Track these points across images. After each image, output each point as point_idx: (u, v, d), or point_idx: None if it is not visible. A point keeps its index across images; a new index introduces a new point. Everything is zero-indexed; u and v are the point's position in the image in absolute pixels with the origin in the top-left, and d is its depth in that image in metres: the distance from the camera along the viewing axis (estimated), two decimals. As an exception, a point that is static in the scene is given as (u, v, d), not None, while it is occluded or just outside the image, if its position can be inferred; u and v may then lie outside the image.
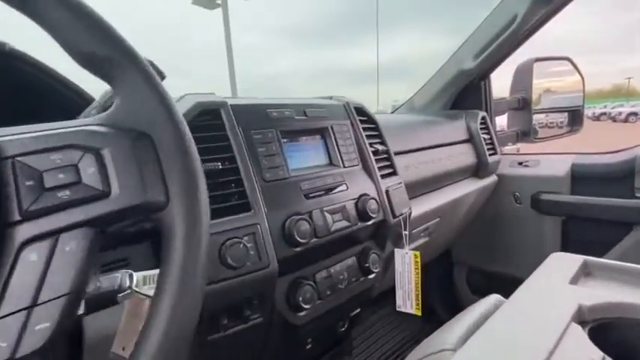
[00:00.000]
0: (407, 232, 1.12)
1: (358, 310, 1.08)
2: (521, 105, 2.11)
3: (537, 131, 2.14)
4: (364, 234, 1.01)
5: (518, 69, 2.04)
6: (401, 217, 1.07)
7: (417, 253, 1.11)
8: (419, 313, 1.13)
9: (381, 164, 1.09)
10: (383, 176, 1.07)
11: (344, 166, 0.99)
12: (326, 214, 0.88)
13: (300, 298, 0.82)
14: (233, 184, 0.77)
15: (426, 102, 1.95)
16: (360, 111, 1.12)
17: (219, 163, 0.74)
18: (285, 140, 0.90)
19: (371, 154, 1.06)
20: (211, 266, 0.68)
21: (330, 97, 1.10)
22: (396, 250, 1.13)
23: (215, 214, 0.71)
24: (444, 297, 2.14)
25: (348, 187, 0.96)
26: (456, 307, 2.17)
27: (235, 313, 0.75)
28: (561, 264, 0.86)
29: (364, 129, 1.09)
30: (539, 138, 2.16)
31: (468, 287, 2.07)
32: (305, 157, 0.94)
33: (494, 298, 0.89)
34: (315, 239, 0.84)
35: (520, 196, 1.80)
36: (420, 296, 1.13)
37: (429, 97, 1.94)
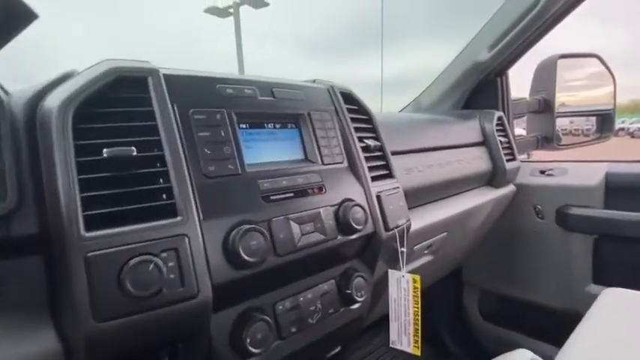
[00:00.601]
0: (404, 250, 0.89)
1: (338, 349, 0.85)
2: (543, 107, 1.87)
3: (560, 138, 1.90)
4: (347, 251, 0.79)
5: (539, 66, 1.81)
6: (396, 231, 0.85)
7: (417, 277, 0.87)
8: (417, 353, 0.89)
9: (373, 163, 0.87)
10: (375, 178, 0.85)
11: (323, 163, 0.77)
12: (292, 223, 0.66)
13: (249, 340, 0.59)
14: (157, 179, 0.55)
15: (434, 101, 1.73)
16: (349, 97, 0.91)
17: (133, 148, 0.53)
18: (243, 126, 0.69)
19: (360, 151, 0.84)
20: (106, 295, 0.47)
21: (314, 81, 0.89)
22: (390, 271, 0.90)
23: (121, 219, 0.50)
24: (452, 321, 1.87)
25: (326, 190, 0.74)
26: (465, 334, 1.91)
27: (149, 361, 0.54)
28: (622, 303, 0.61)
29: (353, 120, 0.88)
30: (564, 145, 1.91)
31: (479, 313, 1.81)
32: (270, 149, 0.72)
33: (524, 356, 0.65)
34: (273, 257, 0.62)
35: (542, 210, 1.55)
36: (419, 331, 0.89)
37: (438, 96, 1.72)
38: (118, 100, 0.56)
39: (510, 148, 1.54)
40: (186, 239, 0.53)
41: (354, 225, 0.73)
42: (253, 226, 0.59)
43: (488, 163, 1.45)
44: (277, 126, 0.75)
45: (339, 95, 0.87)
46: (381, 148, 0.92)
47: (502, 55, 1.50)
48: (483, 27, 1.52)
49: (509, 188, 1.54)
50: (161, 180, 0.56)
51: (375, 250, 0.82)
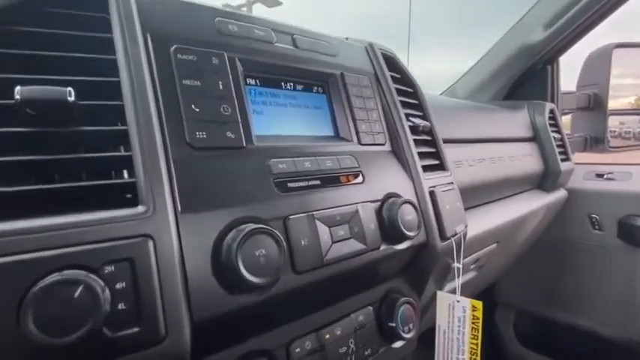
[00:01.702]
0: (460, 266, 0.67)
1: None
2: (593, 103, 1.63)
3: (609, 140, 1.66)
4: (390, 266, 0.57)
5: (590, 57, 1.58)
6: (453, 240, 0.62)
7: (478, 303, 0.65)
8: (474, 405, 0.66)
9: (422, 149, 0.65)
10: (426, 168, 0.63)
11: (360, 143, 0.56)
12: (319, 225, 0.44)
13: (249, 406, 0.37)
14: (106, 144, 0.34)
15: (472, 90, 1.50)
16: (391, 62, 0.69)
17: (70, 89, 0.32)
18: (251, 81, 0.48)
19: (408, 131, 0.62)
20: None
21: (346, 39, 0.67)
22: (439, 294, 0.68)
23: (36, 205, 0.29)
24: (484, 347, 1.63)
25: (364, 180, 0.52)
26: (494, 358, 1.66)
27: None
28: None
29: (398, 92, 0.66)
30: (617, 147, 1.67)
31: (515, 337, 1.56)
32: (288, 118, 0.51)
33: None
34: (291, 276, 0.40)
35: (600, 220, 1.31)
36: (477, 376, 0.67)
37: (477, 85, 1.49)
38: (56, 16, 0.35)
39: (564, 146, 1.31)
40: (150, 244, 0.32)
41: (405, 230, 0.51)
42: (261, 226, 0.37)
43: (539, 163, 1.21)
44: (299, 87, 0.53)
45: (380, 56, 0.65)
46: (431, 131, 0.70)
47: (558, 35, 1.27)
48: (537, 3, 1.30)
49: (561, 193, 1.31)
50: (114, 146, 0.34)
51: (426, 266, 0.60)
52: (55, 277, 0.27)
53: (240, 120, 0.43)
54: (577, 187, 1.36)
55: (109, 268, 0.30)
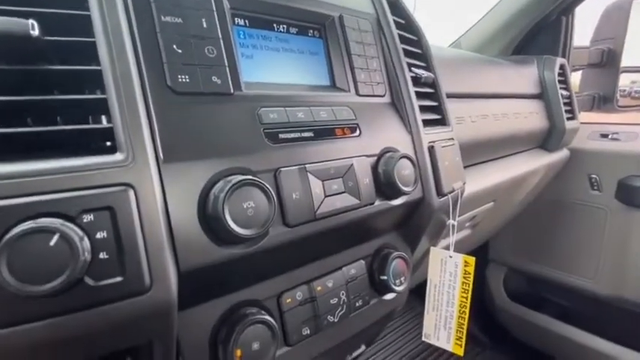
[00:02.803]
0: (455, 223, 0.66)
1: (362, 349, 0.64)
2: (606, 60, 1.56)
3: (618, 99, 1.61)
4: (385, 222, 0.56)
5: (608, 9, 1.48)
6: (450, 197, 0.61)
7: (471, 259, 0.65)
8: (460, 353, 0.69)
9: (424, 102, 0.62)
10: (426, 123, 0.60)
11: (357, 94, 0.52)
12: (311, 178, 0.42)
13: (239, 352, 0.38)
14: (78, 85, 0.32)
15: (479, 44, 1.42)
16: (396, 6, 0.64)
17: (33, 22, 0.29)
18: (240, 22, 0.44)
19: (409, 82, 0.59)
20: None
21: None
22: (432, 250, 0.68)
23: (3, 149, 0.27)
24: (473, 301, 1.69)
25: (360, 133, 0.50)
26: (487, 315, 1.73)
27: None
28: None
29: (401, 39, 0.61)
30: (625, 107, 1.62)
31: (505, 293, 1.62)
32: (281, 65, 0.47)
33: None
34: (281, 229, 0.40)
35: (600, 181, 1.30)
36: (465, 326, 0.69)
37: (484, 38, 1.41)
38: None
39: (571, 104, 1.26)
40: (131, 193, 0.30)
41: (401, 185, 0.49)
42: (250, 177, 0.35)
43: (544, 121, 1.18)
44: (293, 30, 0.49)
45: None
46: (434, 83, 0.66)
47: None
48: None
49: (563, 153, 1.28)
50: (88, 88, 0.32)
51: (421, 222, 0.60)
52: (28, 224, 0.25)
53: (227, 63, 0.39)
54: (580, 147, 1.33)
55: (87, 217, 0.28)
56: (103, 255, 0.29)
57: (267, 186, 0.36)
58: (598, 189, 1.31)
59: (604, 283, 1.30)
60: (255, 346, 0.39)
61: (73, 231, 0.27)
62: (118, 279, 0.29)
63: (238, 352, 0.38)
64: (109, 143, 0.32)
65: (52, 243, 0.26)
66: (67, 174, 0.28)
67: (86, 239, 0.27)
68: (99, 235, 0.29)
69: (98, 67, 0.31)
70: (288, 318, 0.44)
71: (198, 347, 0.38)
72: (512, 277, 1.63)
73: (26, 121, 0.31)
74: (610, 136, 1.32)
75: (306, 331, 0.46)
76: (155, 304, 0.31)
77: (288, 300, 0.45)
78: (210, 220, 0.34)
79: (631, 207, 1.23)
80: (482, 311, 1.62)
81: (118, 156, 0.30)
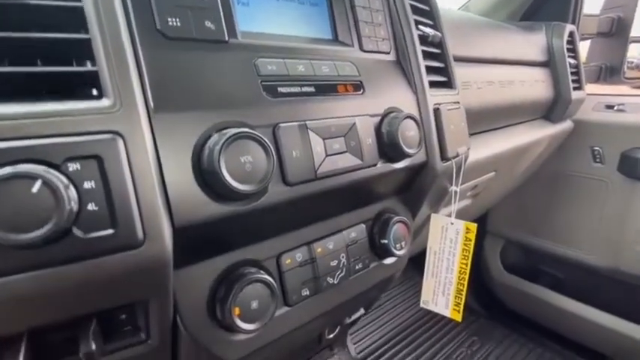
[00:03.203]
0: (457, 189, 0.65)
1: (360, 312, 0.65)
2: (615, 29, 1.50)
3: (625, 71, 1.56)
4: (386, 185, 0.54)
5: (622, -26, 1.41)
6: (454, 162, 0.60)
7: (473, 226, 0.64)
8: (458, 319, 0.70)
9: (430, 63, 0.59)
10: (432, 85, 0.57)
11: (361, 49, 0.49)
12: (312, 136, 0.40)
13: (238, 311, 0.37)
14: (60, 23, 0.29)
15: (487, 8, 1.36)
16: (402, -44, 0.59)
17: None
18: (235, -35, 0.40)
19: (416, 39, 0.56)
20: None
21: None
22: (433, 216, 0.68)
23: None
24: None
25: (364, 91, 0.47)
26: (482, 286, 1.76)
27: (65, 341, 0.32)
28: None
29: (406, -7, 0.57)
30: (632, 78, 1.59)
31: (501, 264, 1.64)
32: (279, 15, 0.44)
33: None
34: (280, 187, 0.38)
35: (602, 153, 1.28)
36: (464, 292, 0.69)
37: (493, 2, 1.35)
38: None
39: (578, 73, 1.22)
40: (120, 143, 0.28)
41: (405, 147, 0.47)
42: (247, 130, 0.33)
43: (549, 90, 1.15)
44: (293, -22, 0.45)
45: (388, -52, 0.56)
46: (442, 44, 0.63)
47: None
48: None
49: (567, 124, 1.26)
50: (70, 27, 0.29)
51: (423, 187, 0.58)
52: (6, 170, 0.23)
53: (220, 8, 0.36)
54: (584, 119, 1.30)
55: (73, 166, 0.26)
56: (91, 206, 0.27)
57: (266, 140, 0.34)
58: (600, 161, 1.30)
59: (601, 255, 1.31)
60: (254, 304, 0.38)
61: (58, 178, 0.25)
62: (109, 231, 0.28)
63: (237, 310, 0.37)
64: (95, 92, 0.30)
65: (34, 190, 0.24)
66: (49, 118, 0.26)
67: (72, 188, 0.26)
68: (87, 185, 0.27)
69: (79, 4, 0.28)
70: (287, 278, 0.44)
71: (195, 306, 0.38)
72: (509, 250, 1.64)
73: (3, 61, 0.28)
74: (615, 108, 1.29)
75: (306, 292, 0.45)
76: (149, 258, 0.29)
77: (288, 261, 0.44)
78: (205, 174, 0.32)
79: (633, 179, 1.22)
80: (478, 283, 1.65)
81: (105, 102, 0.28)
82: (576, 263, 1.38)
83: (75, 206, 0.26)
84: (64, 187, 0.25)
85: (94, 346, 0.30)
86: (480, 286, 1.64)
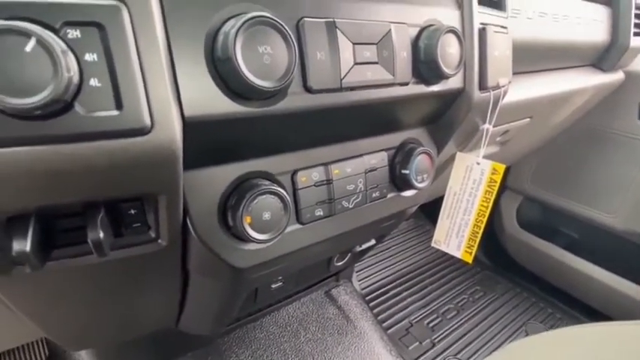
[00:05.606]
0: (490, 127, 0.60)
1: (371, 242, 0.64)
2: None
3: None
4: (417, 110, 0.50)
5: None
6: (492, 93, 0.54)
7: (500, 167, 0.60)
8: (469, 261, 0.69)
9: (481, -26, 0.51)
10: (481, 1, 0.50)
11: (404, -55, 0.42)
12: (341, 37, 0.36)
13: (249, 220, 0.36)
14: None
15: None
16: None
17: None
18: None
19: (467, -60, 0.47)
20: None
21: None
22: (458, 154, 0.64)
23: None
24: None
25: (403, -5, 0.41)
26: (492, 239, 1.75)
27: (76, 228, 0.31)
28: None
29: None
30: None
31: (516, 220, 1.61)
32: None
33: None
34: (300, 92, 0.34)
35: (651, 111, 1.17)
36: (479, 235, 0.67)
37: None
38: None
39: (643, 16, 1.07)
40: (125, 13, 0.25)
41: (443, 66, 0.42)
42: (267, 15, 0.29)
43: (605, 33, 1.02)
44: None
45: None
46: (496, -48, 0.54)
47: None
48: None
49: (618, 75, 1.14)
50: None
51: (454, 119, 0.54)
52: None
53: None
54: (637, 70, 1.18)
55: (72, 33, 0.23)
56: (94, 82, 0.24)
57: (287, 28, 0.30)
58: (646, 120, 1.19)
59: (624, 217, 1.26)
60: (266, 215, 0.37)
61: (54, 40, 0.22)
62: (114, 112, 0.25)
63: (248, 219, 0.36)
64: None
65: (28, 49, 0.21)
66: None
67: (71, 55, 0.23)
68: (88, 57, 0.24)
69: None
70: (301, 196, 0.42)
71: (206, 210, 0.36)
72: (526, 206, 1.60)
73: None
74: (678, 60, 1.15)
75: (319, 212, 0.44)
76: (156, 148, 0.27)
77: (303, 178, 0.42)
78: (219, 64, 0.29)
79: (679, 141, 1.12)
80: (489, 236, 1.64)
81: None
82: (595, 224, 1.34)
83: (75, 77, 0.23)
84: (62, 52, 0.22)
85: (101, 234, 0.29)
86: (490, 239, 1.63)
